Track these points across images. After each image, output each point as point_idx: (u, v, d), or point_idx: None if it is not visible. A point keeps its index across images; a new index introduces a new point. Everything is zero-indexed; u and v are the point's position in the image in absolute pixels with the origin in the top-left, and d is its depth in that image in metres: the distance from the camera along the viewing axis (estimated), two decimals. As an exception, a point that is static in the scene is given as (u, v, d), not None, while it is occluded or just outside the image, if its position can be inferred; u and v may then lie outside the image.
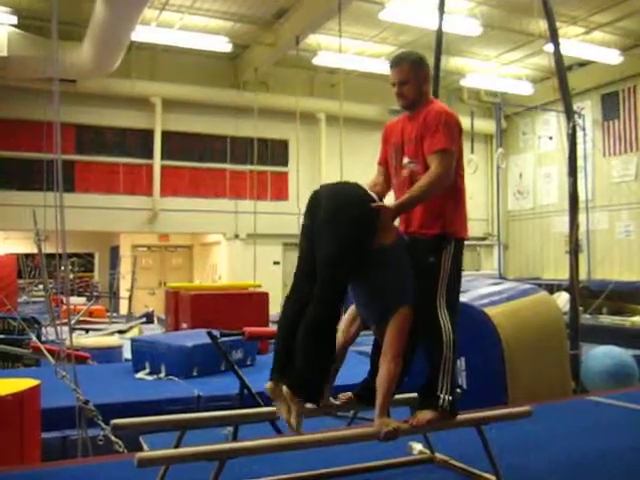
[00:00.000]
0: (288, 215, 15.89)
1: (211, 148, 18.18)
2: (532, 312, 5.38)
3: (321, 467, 3.22)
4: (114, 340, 9.57)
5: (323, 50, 15.82)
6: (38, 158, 13.62)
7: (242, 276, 16.41)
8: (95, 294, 18.18)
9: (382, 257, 2.91)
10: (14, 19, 13.34)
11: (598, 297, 13.43)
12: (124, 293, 16.99)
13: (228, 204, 18.09)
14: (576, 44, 15.42)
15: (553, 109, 15.63)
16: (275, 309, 13.81)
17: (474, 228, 19.94)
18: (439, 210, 3.11)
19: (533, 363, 5.02)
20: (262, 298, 9.71)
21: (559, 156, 16.29)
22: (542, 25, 7.20)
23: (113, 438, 3.90)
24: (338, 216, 2.82)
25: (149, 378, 6.48)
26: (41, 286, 15.13)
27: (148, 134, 17.30)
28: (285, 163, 18.77)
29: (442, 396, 2.97)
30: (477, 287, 5.79)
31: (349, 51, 16.23)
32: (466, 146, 16.92)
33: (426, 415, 2.97)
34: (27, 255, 18.33)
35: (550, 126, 18.76)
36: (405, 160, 3.20)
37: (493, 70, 18.40)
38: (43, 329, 9.31)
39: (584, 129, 16.08)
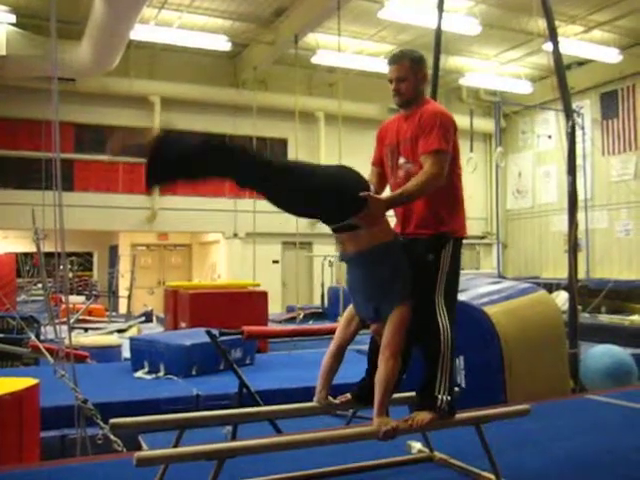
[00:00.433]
0: (287, 214, 15.87)
1: (210, 147, 18.15)
2: (531, 311, 5.38)
3: (320, 466, 3.22)
4: (113, 339, 9.58)
5: (322, 49, 15.83)
6: (37, 157, 13.63)
7: (241, 275, 16.42)
8: (94, 293, 18.18)
9: (379, 254, 2.90)
10: (13, 18, 13.34)
11: (597, 296, 13.45)
12: (123, 292, 16.99)
13: (227, 203, 18.07)
14: (575, 43, 15.44)
15: (552, 108, 15.62)
16: (274, 308, 13.89)
17: (473, 227, 19.96)
18: (437, 210, 3.11)
19: (532, 362, 5.02)
20: (261, 297, 9.72)
21: (558, 155, 16.31)
22: (541, 24, 7.19)
23: (112, 437, 3.91)
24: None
25: (148, 377, 6.48)
26: (40, 285, 15.13)
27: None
28: (284, 162, 18.73)
29: (440, 397, 2.96)
30: (476, 286, 5.78)
31: (348, 50, 16.23)
32: (465, 144, 16.92)
33: (424, 416, 2.96)
34: (26, 254, 18.30)
35: (549, 125, 18.78)
36: (401, 160, 3.19)
37: (492, 69, 18.41)
38: (42, 328, 9.31)
39: (583, 128, 16.07)
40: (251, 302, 9.43)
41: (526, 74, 18.70)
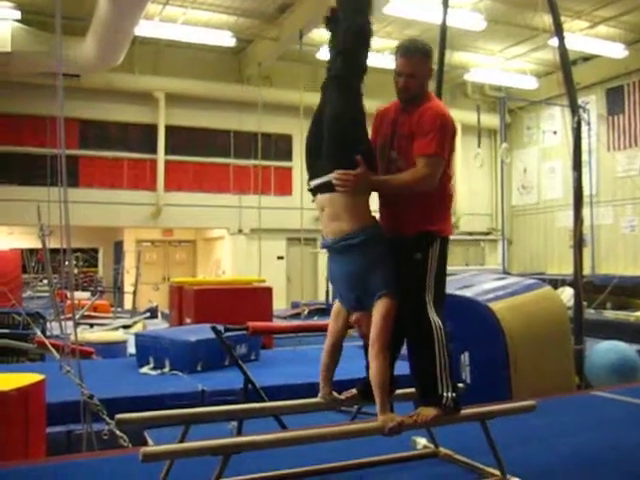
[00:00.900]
0: (292, 210, 15.89)
1: (215, 143, 18.19)
2: (536, 307, 5.38)
3: (325, 462, 3.22)
4: (118, 335, 9.59)
5: (326, 44, 15.77)
6: (42, 153, 13.66)
7: (246, 271, 16.43)
8: (99, 289, 18.20)
9: (360, 242, 2.89)
10: (18, 14, 13.37)
11: (602, 292, 13.40)
12: (128, 288, 17.02)
13: (232, 199, 18.10)
14: (581, 38, 15.38)
15: (557, 103, 15.56)
16: (279, 304, 13.88)
17: (478, 223, 19.95)
18: (425, 208, 3.04)
19: (537, 358, 5.02)
20: (266, 293, 9.72)
21: (563, 151, 16.27)
22: (546, 19, 7.16)
23: (118, 432, 3.91)
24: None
25: (153, 373, 6.49)
26: (45, 281, 15.18)
27: (152, 129, 17.32)
28: (289, 158, 18.75)
29: (445, 394, 2.95)
30: (481, 282, 5.78)
31: (353, 45, 16.17)
32: (471, 140, 16.82)
33: (429, 412, 2.95)
34: (31, 250, 18.37)
35: (554, 121, 18.73)
36: (393, 154, 3.11)
37: (497, 64, 18.35)
38: (48, 324, 9.32)
39: (589, 124, 16.05)
40: (256, 298, 9.42)
41: (531, 70, 18.63)
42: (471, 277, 6.13)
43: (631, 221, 17.44)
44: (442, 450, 3.42)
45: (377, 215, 3.10)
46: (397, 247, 3.00)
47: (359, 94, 3.03)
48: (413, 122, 3.03)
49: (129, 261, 17.77)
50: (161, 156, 17.29)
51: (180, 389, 5.67)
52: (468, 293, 5.33)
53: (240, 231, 18.18)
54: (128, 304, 16.56)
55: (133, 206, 16.98)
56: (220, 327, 4.97)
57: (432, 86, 4.77)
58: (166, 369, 6.49)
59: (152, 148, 17.32)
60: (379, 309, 2.87)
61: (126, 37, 13.36)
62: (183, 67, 17.01)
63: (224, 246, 19.05)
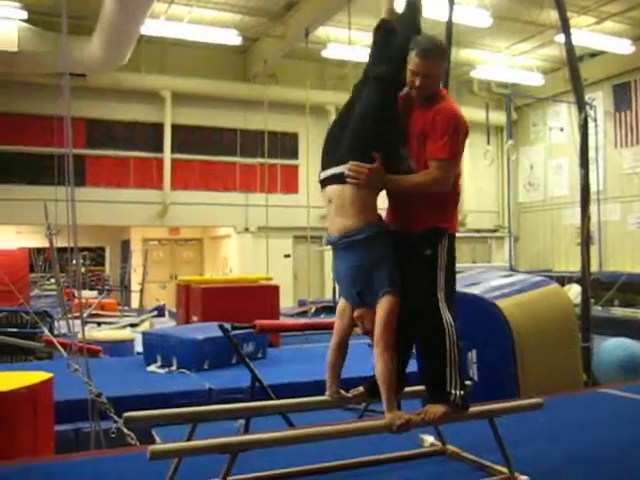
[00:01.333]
0: (298, 208, 15.91)
1: (221, 141, 18.21)
2: (543, 304, 5.36)
3: (332, 460, 3.22)
4: (126, 333, 9.62)
5: (332, 42, 15.78)
6: (49, 153, 13.67)
7: (252, 269, 16.45)
8: (106, 288, 18.27)
9: (365, 237, 2.88)
10: (24, 14, 13.40)
11: (610, 289, 13.37)
12: (135, 286, 17.08)
13: (238, 197, 18.13)
14: (587, 34, 15.31)
15: (564, 100, 15.53)
16: (286, 302, 13.90)
17: (485, 220, 19.91)
18: (433, 205, 3.02)
19: (544, 355, 5.01)
20: (273, 291, 9.72)
21: (570, 148, 16.11)
22: (553, 15, 7.14)
23: (125, 431, 3.93)
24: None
25: (160, 371, 6.51)
26: (53, 280, 15.21)
27: (158, 128, 17.35)
28: (295, 156, 18.76)
29: (454, 392, 2.94)
30: (488, 279, 5.77)
31: (359, 43, 16.12)
32: (479, 138, 16.84)
33: (437, 409, 2.95)
34: (39, 249, 18.42)
35: (561, 117, 18.67)
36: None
37: (504, 61, 18.30)
38: (55, 322, 9.36)
39: (595, 120, 16.01)
40: (263, 296, 9.43)
41: (538, 66, 18.58)
42: (478, 274, 6.12)
43: (638, 218, 17.38)
44: (450, 448, 3.42)
45: (382, 214, 3.10)
46: (405, 244, 2.99)
47: (396, 100, 3.07)
48: (427, 122, 2.99)
49: (136, 260, 17.82)
50: (167, 155, 17.31)
51: (187, 387, 5.68)
52: (475, 290, 5.32)
53: (247, 229, 18.20)
54: (135, 302, 16.61)
55: (140, 205, 17.02)
56: (227, 325, 4.98)
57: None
58: (173, 367, 6.50)
59: (158, 147, 17.35)
60: (383, 306, 2.86)
61: (132, 36, 13.38)
62: (189, 66, 17.03)
63: (231, 244, 19.07)
